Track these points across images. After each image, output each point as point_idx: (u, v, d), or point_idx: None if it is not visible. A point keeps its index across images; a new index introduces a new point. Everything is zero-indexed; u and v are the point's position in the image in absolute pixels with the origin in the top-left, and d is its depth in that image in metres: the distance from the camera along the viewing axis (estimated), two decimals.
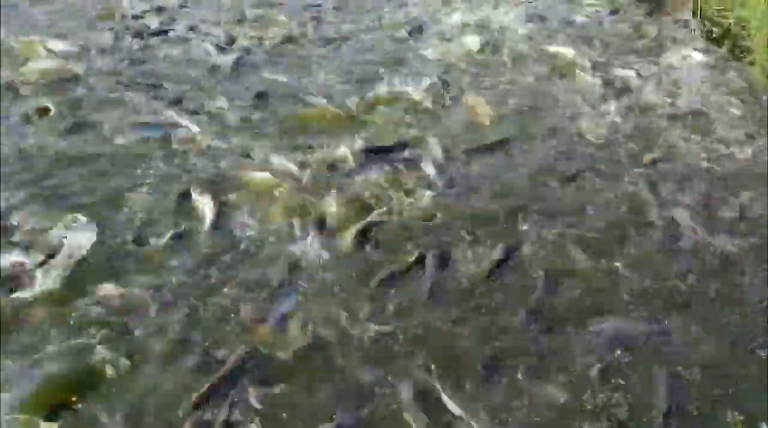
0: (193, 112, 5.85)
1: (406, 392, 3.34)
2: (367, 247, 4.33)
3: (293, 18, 7.90)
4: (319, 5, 8.33)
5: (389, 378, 3.42)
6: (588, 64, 6.65)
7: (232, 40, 7.34)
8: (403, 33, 7.52)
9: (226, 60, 6.83)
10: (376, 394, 3.35)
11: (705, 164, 5.16)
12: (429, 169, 5.02)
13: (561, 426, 3.21)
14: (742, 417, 3.15)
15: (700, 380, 3.42)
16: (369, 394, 3.35)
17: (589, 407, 3.28)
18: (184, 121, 5.68)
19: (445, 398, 3.31)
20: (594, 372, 3.45)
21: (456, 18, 7.90)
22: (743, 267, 4.14)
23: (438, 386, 3.36)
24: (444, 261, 4.21)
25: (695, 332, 3.71)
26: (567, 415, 3.25)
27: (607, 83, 6.33)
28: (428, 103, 6.03)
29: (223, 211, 4.63)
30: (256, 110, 5.92)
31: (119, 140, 5.46)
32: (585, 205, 4.71)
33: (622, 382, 3.40)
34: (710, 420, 3.23)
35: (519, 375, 3.45)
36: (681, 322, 3.76)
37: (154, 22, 7.84)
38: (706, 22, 7.38)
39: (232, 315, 3.81)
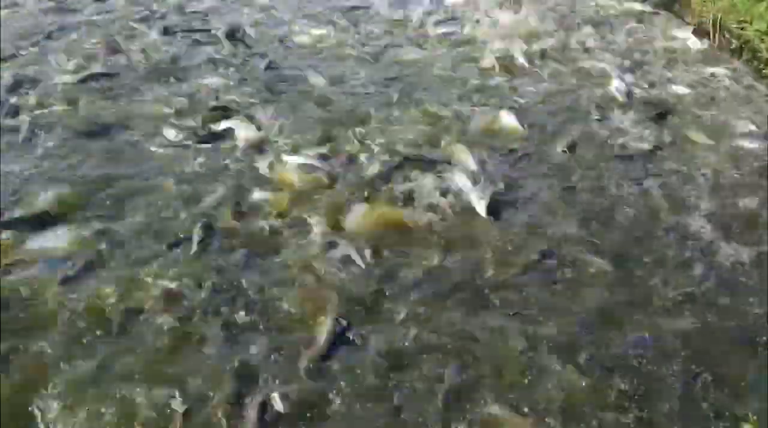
0: (227, 113, 6.02)
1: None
2: (390, 250, 4.48)
3: (330, 22, 8.07)
4: (358, 10, 8.47)
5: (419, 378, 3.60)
6: (613, 74, 6.79)
7: (264, 43, 7.52)
8: (438, 41, 7.61)
9: (260, 62, 7.02)
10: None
11: (726, 173, 5.31)
12: (457, 175, 5.14)
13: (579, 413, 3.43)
14: (755, 416, 3.31)
15: (712, 380, 3.59)
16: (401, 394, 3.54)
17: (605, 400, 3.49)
18: (219, 122, 5.86)
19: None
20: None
21: (490, 27, 8.00)
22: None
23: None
24: (473, 263, 4.38)
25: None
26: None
27: (630, 93, 6.47)
28: (458, 110, 6.16)
29: (253, 209, 4.83)
30: (290, 112, 6.08)
31: (155, 139, 5.67)
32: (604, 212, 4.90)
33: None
34: (724, 417, 3.39)
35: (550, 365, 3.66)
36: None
37: (188, 23, 8.04)
38: (725, 34, 7.49)
39: (258, 312, 4.00)
